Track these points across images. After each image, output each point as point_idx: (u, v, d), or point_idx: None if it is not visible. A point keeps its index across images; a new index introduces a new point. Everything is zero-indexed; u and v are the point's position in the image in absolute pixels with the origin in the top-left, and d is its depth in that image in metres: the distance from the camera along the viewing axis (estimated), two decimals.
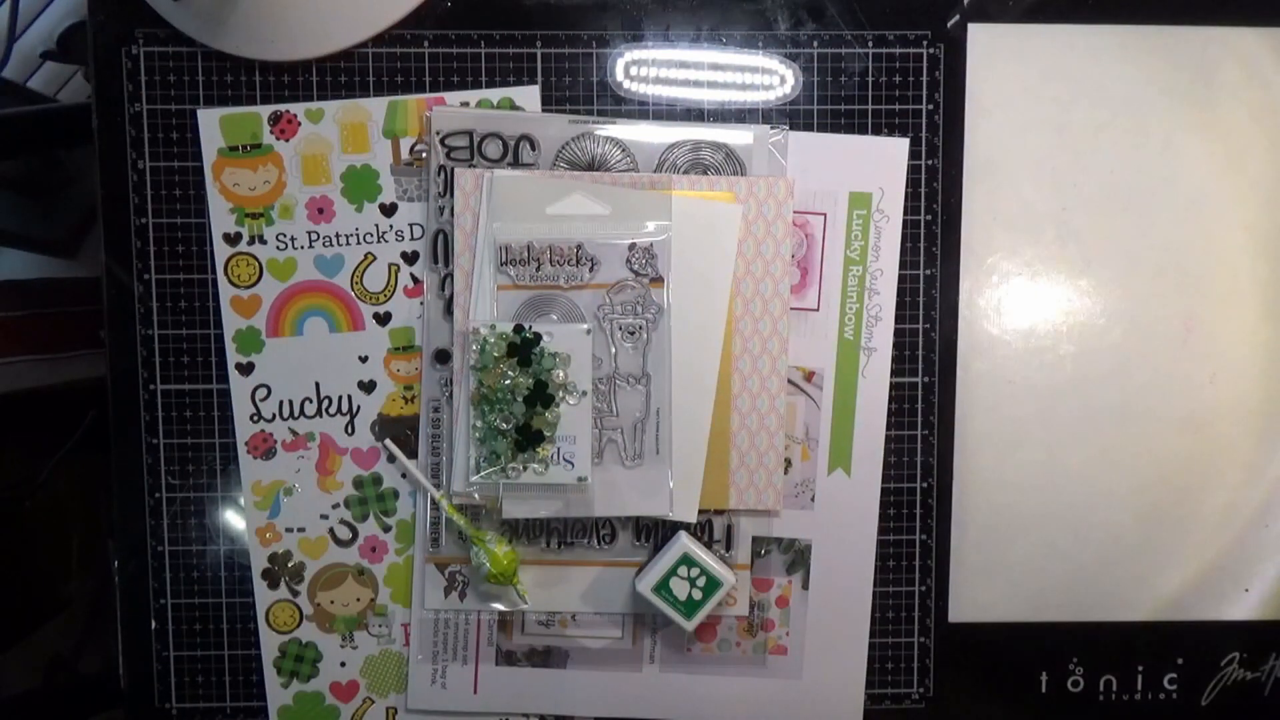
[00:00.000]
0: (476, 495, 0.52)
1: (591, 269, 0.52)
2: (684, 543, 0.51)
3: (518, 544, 0.53)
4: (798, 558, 0.54)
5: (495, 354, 0.50)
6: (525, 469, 0.51)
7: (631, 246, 0.52)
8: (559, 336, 0.51)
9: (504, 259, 0.52)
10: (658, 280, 0.52)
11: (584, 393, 0.51)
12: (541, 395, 0.50)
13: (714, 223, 0.52)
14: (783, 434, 0.53)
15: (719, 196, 0.52)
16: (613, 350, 0.52)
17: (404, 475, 0.54)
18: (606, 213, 0.52)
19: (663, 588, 0.51)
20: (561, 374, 0.51)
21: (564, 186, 0.52)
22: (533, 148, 0.52)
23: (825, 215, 0.53)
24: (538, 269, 0.52)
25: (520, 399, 0.50)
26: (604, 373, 0.52)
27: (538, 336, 0.50)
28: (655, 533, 0.54)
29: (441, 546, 0.54)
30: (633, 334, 0.52)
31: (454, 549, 0.54)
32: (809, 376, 0.54)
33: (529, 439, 0.50)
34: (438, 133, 0.52)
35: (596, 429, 0.52)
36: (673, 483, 0.52)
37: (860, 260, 0.53)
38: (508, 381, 0.50)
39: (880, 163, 0.53)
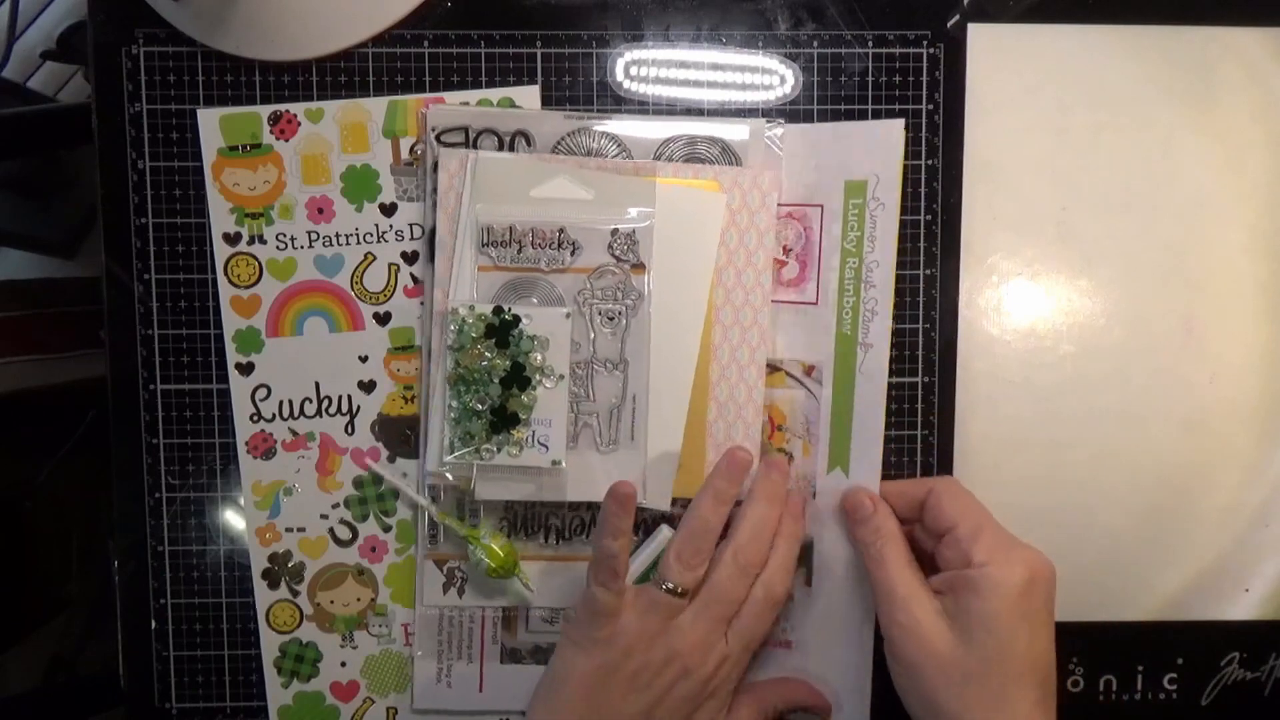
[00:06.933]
0: (449, 475, 0.52)
1: (573, 253, 0.52)
2: (665, 535, 0.51)
3: (516, 540, 0.53)
4: (801, 554, 0.53)
5: (473, 334, 0.50)
6: (499, 451, 0.50)
7: (614, 232, 0.51)
8: (538, 319, 0.51)
9: (486, 240, 0.51)
10: (639, 267, 0.52)
11: (561, 376, 0.51)
12: (518, 377, 0.50)
13: (698, 211, 0.52)
14: (760, 425, 0.53)
15: (704, 185, 0.52)
16: (591, 335, 0.52)
17: (394, 492, 0.54)
18: (590, 197, 0.52)
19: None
20: (539, 357, 0.50)
21: (549, 170, 0.52)
22: (528, 143, 0.52)
23: (822, 206, 0.52)
24: (519, 251, 0.51)
25: (496, 380, 0.50)
26: (582, 357, 0.52)
27: (516, 319, 0.50)
28: (654, 528, 0.54)
29: (440, 543, 0.54)
30: (612, 320, 0.52)
31: (452, 546, 0.54)
32: (809, 370, 0.53)
33: (504, 420, 0.50)
34: (433, 129, 0.52)
35: (572, 413, 0.52)
36: (647, 470, 0.52)
37: (856, 252, 0.52)
38: (485, 363, 0.50)
39: (874, 147, 0.51)
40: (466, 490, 0.52)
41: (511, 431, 0.50)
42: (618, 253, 0.52)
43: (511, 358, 0.50)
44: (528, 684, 0.53)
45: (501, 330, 0.50)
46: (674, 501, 0.53)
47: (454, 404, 0.51)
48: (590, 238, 0.51)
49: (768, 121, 0.53)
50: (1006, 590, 0.44)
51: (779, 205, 0.52)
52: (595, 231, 0.51)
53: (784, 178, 0.53)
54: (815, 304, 0.53)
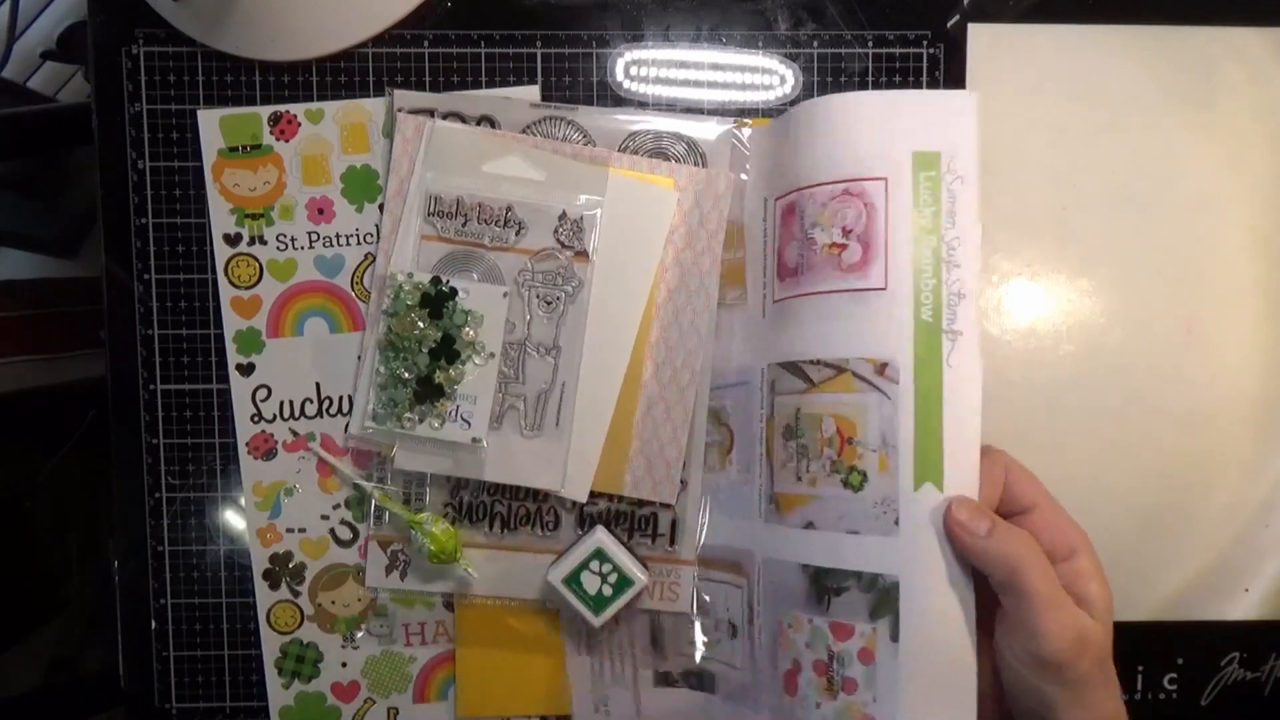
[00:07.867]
0: (366, 438, 0.51)
1: (518, 233, 0.51)
2: (599, 537, 0.51)
3: (461, 527, 0.53)
4: (882, 598, 0.43)
5: (408, 302, 0.50)
6: (421, 421, 0.50)
7: (561, 216, 0.51)
8: (475, 295, 0.50)
9: (432, 209, 0.51)
10: (582, 254, 0.51)
11: (491, 355, 0.51)
12: (447, 350, 0.50)
13: (648, 206, 0.51)
14: (688, 428, 0.52)
15: (657, 180, 0.52)
16: (527, 317, 0.51)
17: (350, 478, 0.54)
18: (541, 179, 0.51)
19: (573, 580, 0.50)
20: (471, 332, 0.50)
21: (503, 146, 0.51)
22: (494, 128, 0.52)
23: (886, 180, 0.45)
24: (464, 224, 0.51)
25: (426, 351, 0.50)
26: (515, 338, 0.52)
27: (454, 291, 0.50)
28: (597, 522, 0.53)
29: (385, 525, 0.53)
30: (550, 304, 0.51)
31: (396, 528, 0.54)
32: (881, 369, 0.45)
33: (429, 391, 0.50)
34: (399, 109, 0.52)
35: (500, 393, 0.51)
36: (568, 459, 0.52)
37: (933, 229, 0.45)
38: (416, 332, 0.50)
39: (946, 120, 0.45)
40: (388, 457, 0.52)
41: (435, 404, 0.50)
42: (563, 238, 0.51)
43: (443, 330, 0.50)
44: (681, 707, 0.53)
45: (437, 301, 0.50)
46: (592, 495, 0.52)
47: (382, 369, 0.51)
48: (537, 219, 0.51)
49: (736, 122, 0.52)
50: None
51: (837, 183, 0.46)
52: (542, 213, 0.51)
53: (838, 149, 0.47)
54: (884, 289, 0.45)
